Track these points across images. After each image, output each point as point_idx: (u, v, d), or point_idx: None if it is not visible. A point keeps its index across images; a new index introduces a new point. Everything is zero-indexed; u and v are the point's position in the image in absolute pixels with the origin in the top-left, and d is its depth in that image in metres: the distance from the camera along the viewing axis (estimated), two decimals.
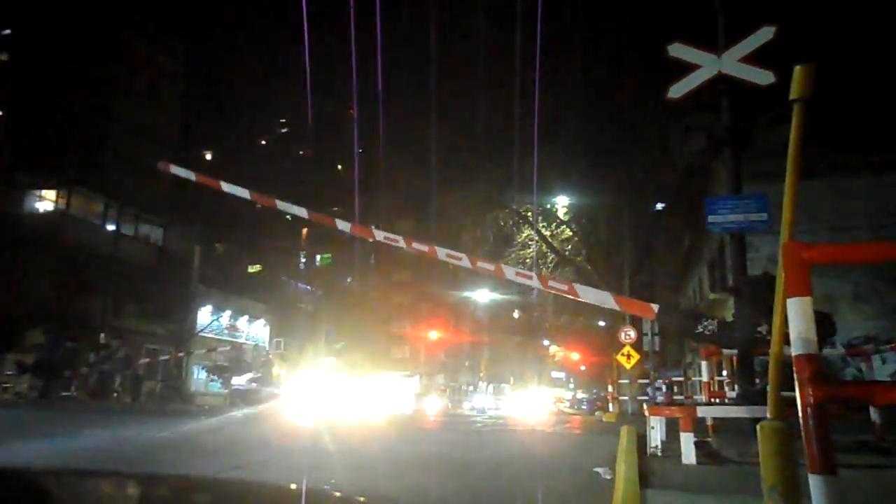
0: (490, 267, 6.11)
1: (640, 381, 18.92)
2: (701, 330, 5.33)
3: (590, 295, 5.64)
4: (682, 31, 7.05)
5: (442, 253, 5.86)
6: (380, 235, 6.15)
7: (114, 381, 17.05)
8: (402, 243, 5.98)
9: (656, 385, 17.92)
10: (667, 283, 25.40)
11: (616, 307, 5.74)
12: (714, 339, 5.50)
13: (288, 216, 56.85)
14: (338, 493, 1.68)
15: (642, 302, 5.57)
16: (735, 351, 6.99)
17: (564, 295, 5.79)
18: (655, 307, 5.26)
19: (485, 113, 22.41)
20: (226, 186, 6.56)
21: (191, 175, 7.02)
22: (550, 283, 6.08)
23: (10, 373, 17.57)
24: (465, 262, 5.84)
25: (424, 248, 5.91)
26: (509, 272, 6.13)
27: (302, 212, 6.47)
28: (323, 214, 6.76)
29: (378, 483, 4.58)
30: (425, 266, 52.46)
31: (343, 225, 6.47)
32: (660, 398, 17.18)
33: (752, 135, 9.98)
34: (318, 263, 57.61)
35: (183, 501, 1.57)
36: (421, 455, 6.69)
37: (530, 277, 6.29)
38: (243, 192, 6.57)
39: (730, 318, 6.44)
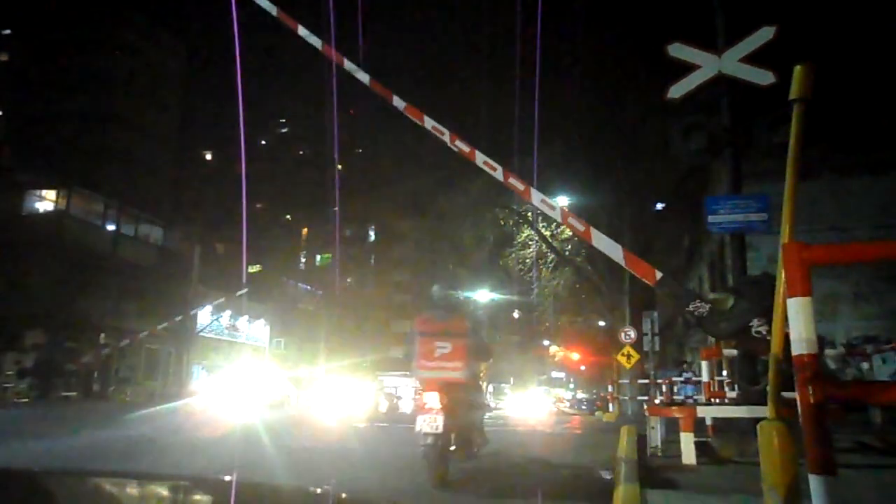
0: (520, 186, 6.22)
1: (640, 381, 18.92)
2: (692, 309, 5.39)
3: (602, 242, 5.86)
4: (682, 32, 7.05)
5: (480, 158, 6.05)
6: (429, 123, 6.32)
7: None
8: (446, 137, 6.13)
9: (676, 379, 17.80)
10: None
11: (623, 261, 5.90)
12: (701, 322, 5.57)
13: (288, 216, 56.38)
14: (337, 493, 1.68)
15: (648, 265, 5.71)
16: (735, 351, 7.00)
17: (581, 235, 5.94)
18: (659, 274, 5.40)
19: (485, 112, 22.42)
20: (301, 31, 6.65)
21: (273, 9, 6.95)
22: (570, 219, 6.21)
23: (10, 372, 17.58)
24: (500, 174, 6.03)
25: (466, 147, 6.07)
26: (535, 197, 6.25)
27: (365, 77, 6.60)
28: (382, 85, 6.79)
29: (378, 482, 4.58)
30: (425, 266, 52.48)
31: (398, 102, 6.57)
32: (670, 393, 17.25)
33: (752, 135, 9.98)
34: (318, 263, 57.61)
35: (182, 501, 1.57)
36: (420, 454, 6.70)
37: (553, 208, 6.37)
38: (316, 42, 6.66)
39: None
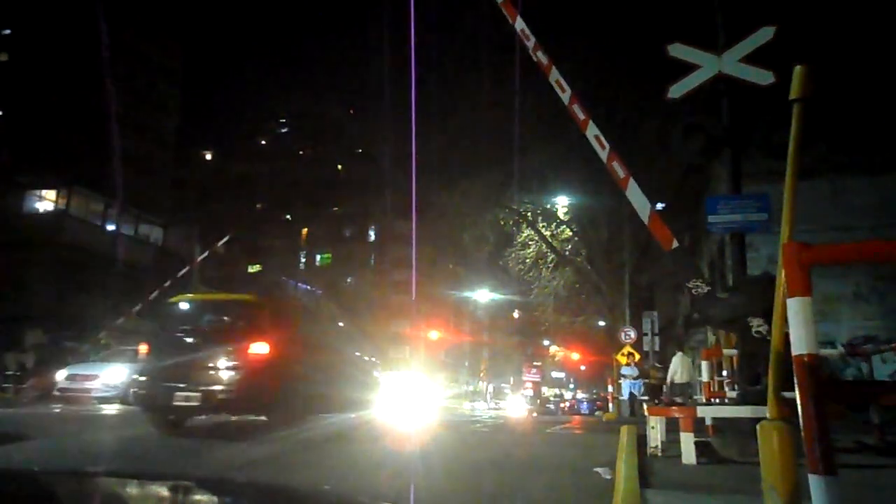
0: (581, 115, 6.67)
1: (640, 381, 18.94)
2: (691, 286, 5.46)
3: (635, 196, 6.10)
4: (682, 32, 7.06)
5: (554, 76, 6.87)
6: (519, 25, 6.82)
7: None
8: (531, 43, 6.81)
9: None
10: (667, 284, 25.39)
11: (647, 220, 6.11)
12: (694, 302, 5.65)
13: (288, 216, 56.14)
14: (338, 494, 1.68)
15: (669, 232, 5.86)
16: (734, 351, 7.00)
17: (618, 182, 6.24)
18: (676, 244, 5.58)
19: (485, 112, 22.39)
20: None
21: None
22: (613, 163, 6.37)
23: (9, 372, 17.57)
24: (567, 96, 6.78)
25: (545, 60, 6.93)
26: (591, 131, 6.54)
27: None
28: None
29: (378, 483, 4.58)
30: (425, 266, 52.44)
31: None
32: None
33: (752, 135, 9.99)
34: (318, 263, 57.58)
35: (183, 502, 1.57)
36: (420, 455, 6.70)
37: (604, 148, 6.53)
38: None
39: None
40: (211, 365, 7.49)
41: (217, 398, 7.27)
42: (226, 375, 7.40)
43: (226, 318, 8.42)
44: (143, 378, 7.73)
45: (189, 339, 7.95)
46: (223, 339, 7.83)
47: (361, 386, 9.96)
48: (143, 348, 8.36)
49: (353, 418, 9.92)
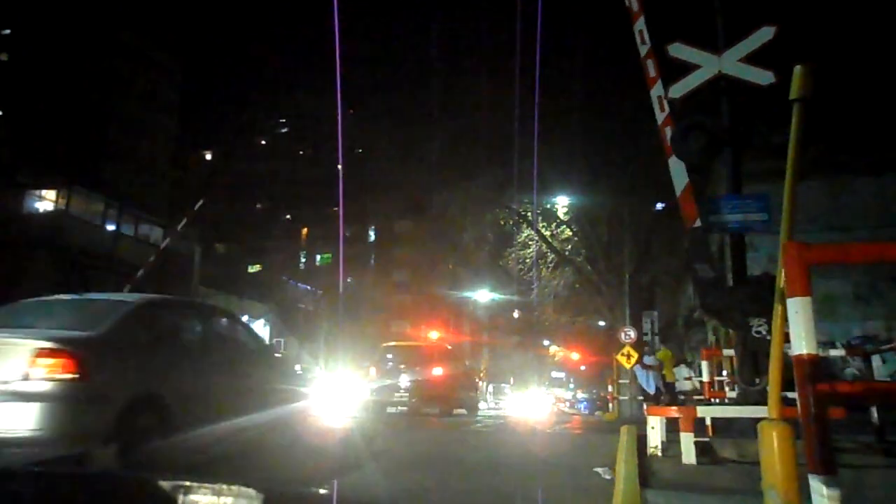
0: (652, 72, 6.83)
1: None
2: (697, 269, 5.49)
3: (675, 167, 6.35)
4: (681, 32, 7.07)
5: (638, 27, 7.06)
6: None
7: None
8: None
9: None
10: (667, 284, 25.39)
11: (679, 192, 6.34)
12: (695, 285, 5.69)
13: (287, 216, 56.32)
14: (338, 495, 1.68)
15: (695, 211, 5.98)
16: (734, 351, 6.99)
17: (666, 148, 6.45)
18: (698, 223, 5.70)
19: (485, 113, 22.41)
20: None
21: None
22: (667, 128, 6.52)
23: None
24: (645, 48, 6.93)
25: (636, 6, 7.10)
26: (655, 91, 6.79)
27: None
28: None
29: (378, 483, 4.58)
30: (425, 266, 52.45)
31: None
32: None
33: (752, 135, 9.99)
34: (318, 263, 57.58)
35: (183, 502, 1.57)
36: (420, 455, 6.69)
37: (663, 111, 6.64)
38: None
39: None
40: (411, 380, 14.70)
41: (415, 397, 14.59)
42: (419, 385, 14.66)
43: (417, 354, 16.30)
44: (375, 387, 14.73)
45: (398, 366, 15.30)
46: (417, 366, 15.07)
47: (475, 394, 19.27)
48: (372, 371, 15.60)
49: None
